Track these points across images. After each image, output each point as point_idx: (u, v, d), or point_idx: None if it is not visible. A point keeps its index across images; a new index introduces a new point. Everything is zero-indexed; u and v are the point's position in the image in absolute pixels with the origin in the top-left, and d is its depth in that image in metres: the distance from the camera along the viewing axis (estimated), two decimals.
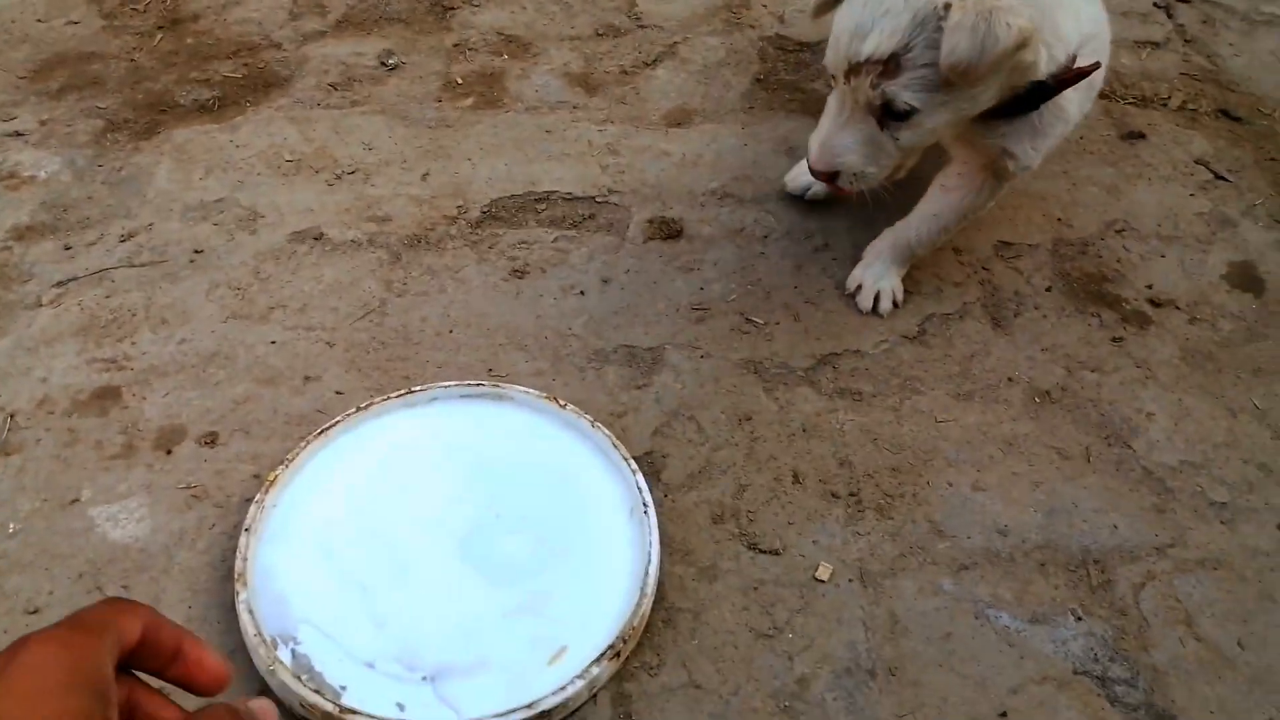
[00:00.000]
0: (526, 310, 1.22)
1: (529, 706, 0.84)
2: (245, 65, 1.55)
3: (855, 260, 1.29)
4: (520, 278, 1.26)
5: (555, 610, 0.93)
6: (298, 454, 1.01)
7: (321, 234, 1.29)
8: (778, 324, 1.24)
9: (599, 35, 1.65)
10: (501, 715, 0.84)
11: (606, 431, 1.05)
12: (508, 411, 1.08)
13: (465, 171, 1.39)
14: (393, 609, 0.92)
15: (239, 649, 0.90)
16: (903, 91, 0.94)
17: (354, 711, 0.83)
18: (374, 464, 1.02)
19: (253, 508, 0.96)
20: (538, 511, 1.00)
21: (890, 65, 0.93)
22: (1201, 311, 1.29)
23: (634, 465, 1.02)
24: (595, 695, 0.89)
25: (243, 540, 0.93)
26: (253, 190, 1.34)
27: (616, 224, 1.34)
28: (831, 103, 1.01)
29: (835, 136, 1.00)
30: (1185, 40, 1.74)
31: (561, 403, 1.08)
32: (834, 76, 0.98)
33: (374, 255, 1.27)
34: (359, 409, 1.05)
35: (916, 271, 1.31)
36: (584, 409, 1.10)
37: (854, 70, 0.94)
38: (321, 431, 1.03)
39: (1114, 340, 1.25)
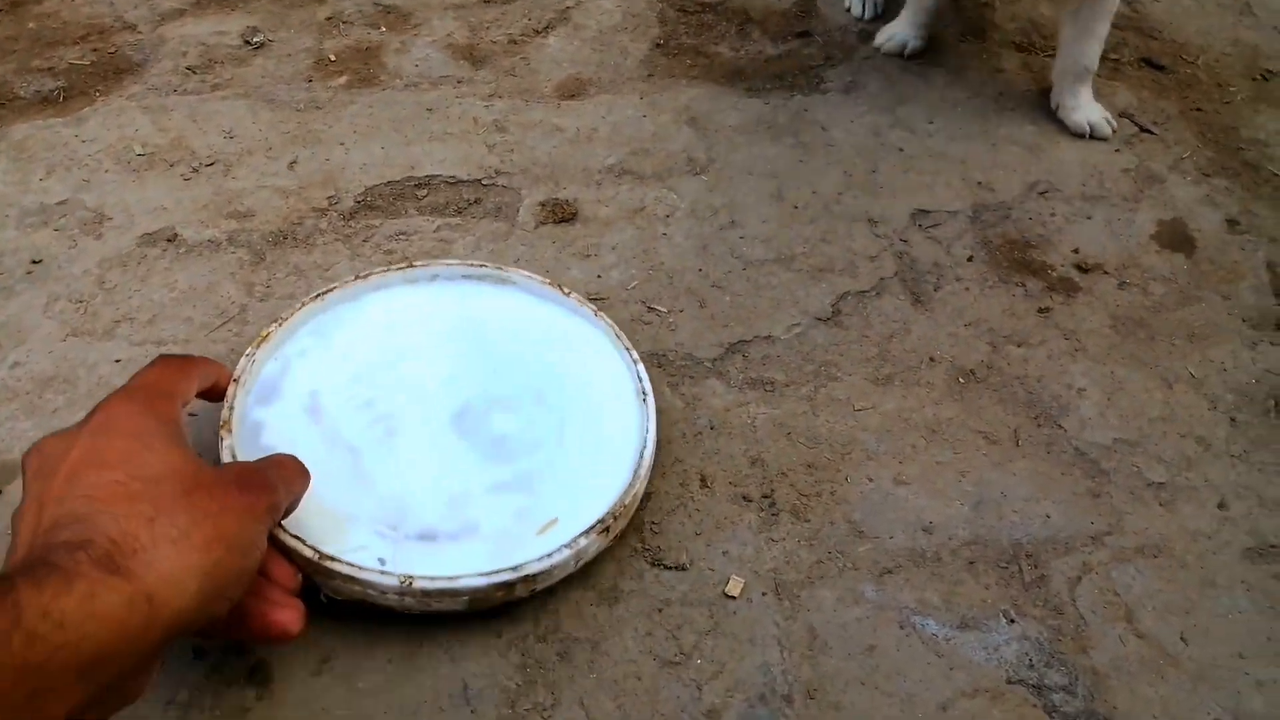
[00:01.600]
0: None
1: (514, 570, 0.83)
2: (95, 50, 1.41)
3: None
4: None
5: (546, 487, 0.91)
6: (292, 314, 0.99)
7: (175, 235, 1.16)
8: (682, 311, 1.14)
9: (486, 2, 1.54)
10: (485, 575, 0.82)
11: (609, 320, 1.04)
12: (509, 294, 1.07)
13: (337, 157, 1.27)
14: (381, 472, 0.90)
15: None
16: None
17: (333, 559, 0.80)
18: (369, 333, 1.01)
19: (242, 360, 0.93)
20: (534, 392, 0.99)
21: None
22: (1131, 275, 1.22)
23: (635, 355, 1.00)
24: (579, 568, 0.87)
25: (230, 389, 0.90)
26: (99, 190, 1.21)
27: (505, 208, 1.23)
28: None
29: None
30: None
31: (565, 290, 1.06)
32: None
33: (234, 256, 1.15)
34: (357, 277, 1.04)
35: (827, 246, 1.22)
36: None
37: None
38: (318, 295, 1.01)
39: (1040, 311, 1.17)
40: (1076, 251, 1.24)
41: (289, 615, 0.72)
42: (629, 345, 1.01)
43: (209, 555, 0.59)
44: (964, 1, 1.62)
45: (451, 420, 0.96)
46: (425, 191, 1.24)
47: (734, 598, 0.91)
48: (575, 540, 0.86)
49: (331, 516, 0.85)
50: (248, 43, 1.43)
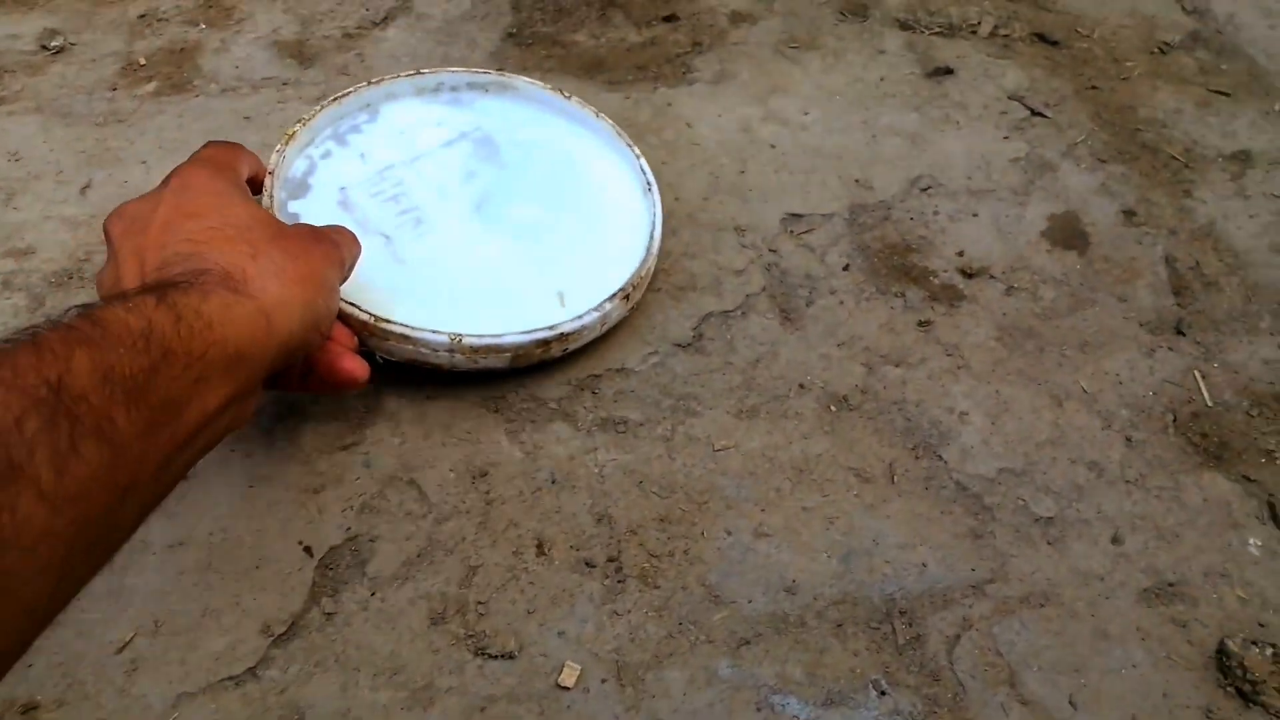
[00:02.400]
0: None
1: (550, 329, 0.93)
2: None
3: None
4: None
5: (568, 264, 1.01)
6: (314, 115, 1.05)
7: None
8: None
9: None
10: (525, 333, 0.92)
11: (610, 121, 1.12)
12: (513, 99, 1.15)
13: (138, 178, 1.12)
14: (415, 254, 0.99)
15: None
16: None
17: (389, 320, 0.89)
18: (386, 137, 1.08)
19: (274, 155, 0.99)
20: (547, 186, 1.07)
21: None
22: (1020, 279, 1.12)
23: (637, 150, 1.10)
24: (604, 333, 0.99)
25: (267, 181, 0.95)
26: None
27: None
28: None
29: None
30: None
31: (566, 94, 1.13)
32: None
33: (8, 302, 1.00)
34: (369, 83, 1.10)
35: (689, 261, 1.10)
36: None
37: None
38: (335, 99, 1.08)
39: (921, 325, 1.07)
40: (961, 254, 1.13)
41: (355, 363, 0.80)
42: (630, 142, 1.11)
43: (304, 289, 0.68)
44: None
45: (474, 209, 1.04)
46: None
47: (568, 688, 0.80)
48: (601, 305, 0.96)
49: (376, 291, 0.92)
50: (44, 47, 1.27)
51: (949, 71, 1.34)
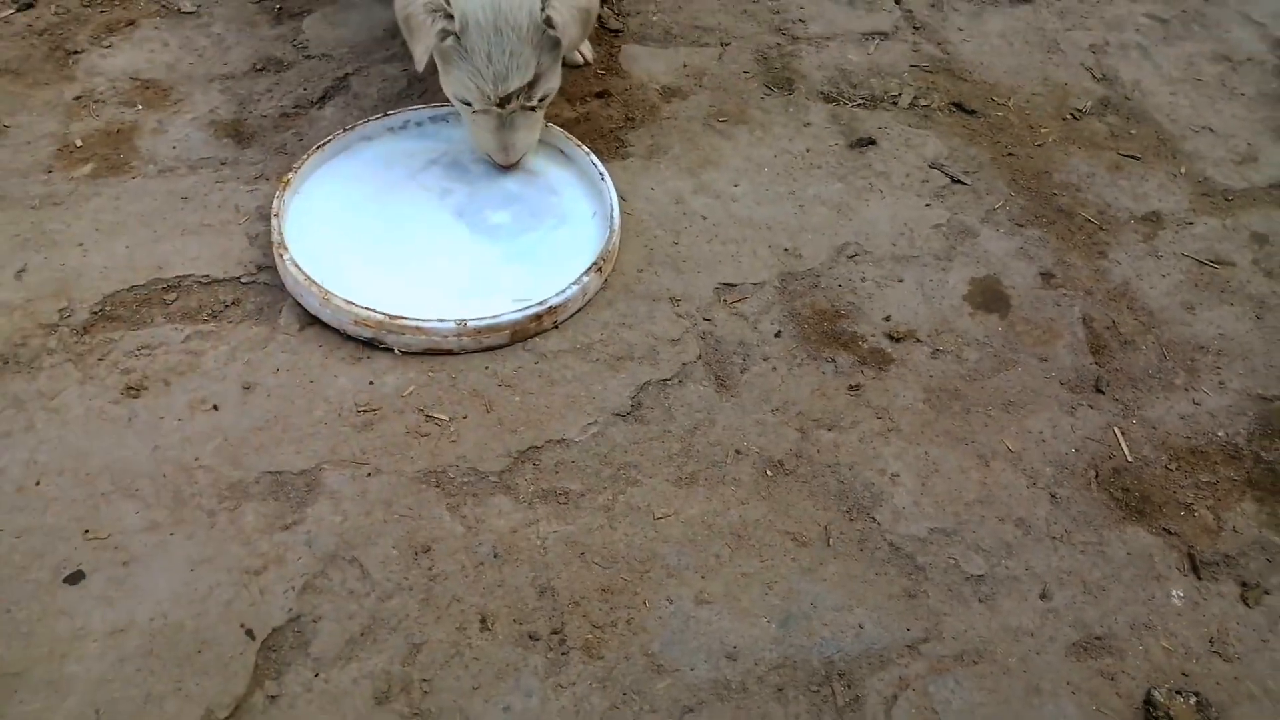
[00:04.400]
0: (141, 441, 0.98)
1: (540, 303, 1.09)
2: None
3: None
4: (135, 397, 1.01)
5: (543, 254, 1.17)
6: (302, 163, 1.21)
7: None
8: (465, 418, 1.03)
9: (257, 71, 1.40)
10: (518, 311, 1.07)
11: (559, 129, 1.28)
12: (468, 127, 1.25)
13: (74, 261, 1.12)
14: (412, 262, 1.15)
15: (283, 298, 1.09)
16: (543, 87, 1.19)
17: (402, 317, 1.06)
18: (366, 171, 1.24)
19: (275, 201, 1.15)
20: (513, 192, 1.24)
21: (531, 82, 1.16)
22: (945, 341, 1.16)
23: (587, 148, 1.26)
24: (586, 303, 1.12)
25: (274, 222, 1.13)
26: None
27: (267, 309, 1.10)
28: (486, 121, 1.20)
29: (512, 137, 1.21)
30: (914, 28, 1.62)
31: None
32: (482, 108, 1.17)
33: None
34: (344, 129, 1.26)
35: (626, 331, 1.12)
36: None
37: (505, 99, 1.16)
38: (319, 147, 1.23)
39: (851, 389, 1.10)
40: (888, 319, 1.17)
41: None
42: (579, 143, 1.27)
43: None
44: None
45: (454, 218, 1.20)
46: (175, 295, 1.11)
47: None
48: (580, 279, 1.11)
49: (387, 296, 1.08)
50: None
51: (871, 142, 1.39)
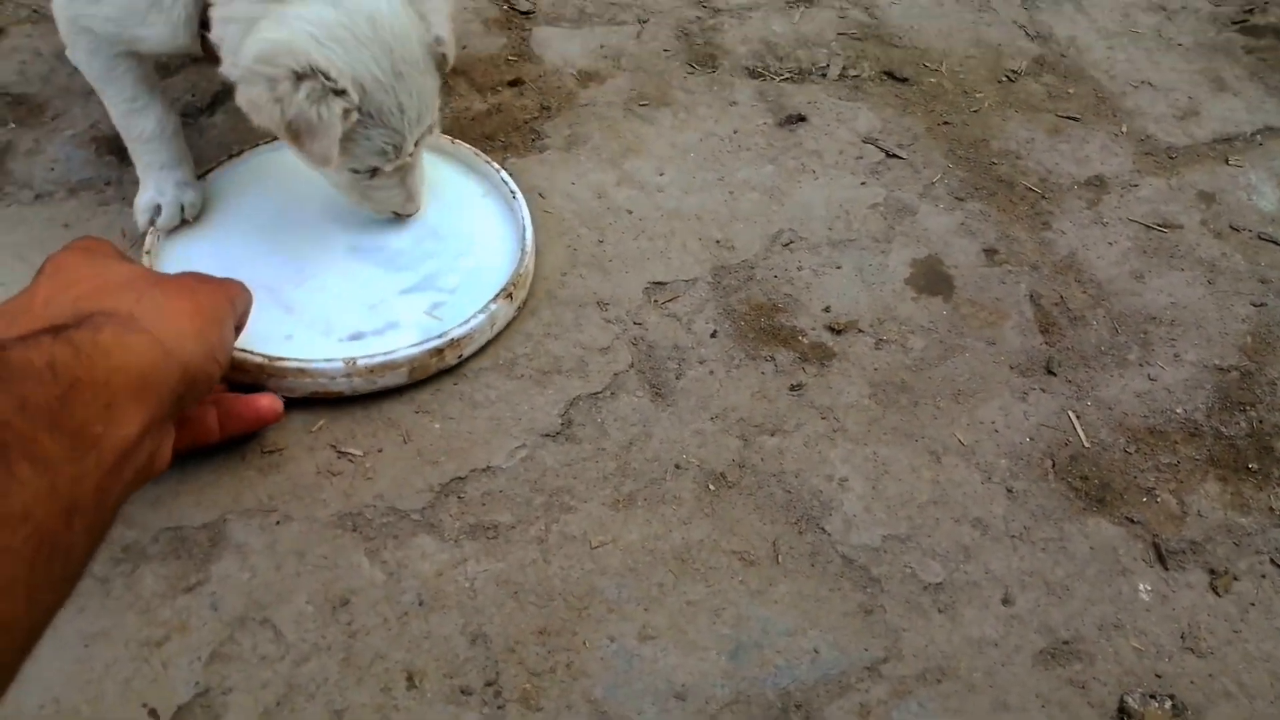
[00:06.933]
0: None
1: (440, 336, 0.98)
2: None
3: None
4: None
5: (446, 282, 1.06)
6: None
7: None
8: (380, 452, 0.96)
9: None
10: (416, 345, 0.97)
11: (467, 145, 1.18)
12: None
13: None
14: (300, 299, 1.04)
15: None
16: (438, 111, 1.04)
17: (283, 359, 0.95)
18: (249, 195, 1.13)
19: (149, 236, 1.05)
20: (417, 214, 1.11)
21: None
22: (888, 330, 1.10)
23: (496, 165, 1.15)
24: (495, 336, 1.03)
25: (145, 260, 1.03)
26: None
27: None
28: (389, 178, 1.04)
29: (416, 179, 1.08)
30: None
31: None
32: (394, 166, 1.02)
33: None
34: (230, 156, 1.15)
35: (552, 341, 1.05)
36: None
37: (418, 141, 1.02)
38: (202, 175, 1.12)
39: (793, 389, 1.04)
40: (828, 310, 1.11)
41: (268, 399, 0.93)
42: (489, 159, 1.16)
43: (193, 321, 0.73)
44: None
45: (348, 247, 1.09)
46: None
47: None
48: (487, 306, 1.01)
49: (268, 341, 0.97)
50: None
51: (802, 119, 1.32)
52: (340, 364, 0.95)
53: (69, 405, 0.57)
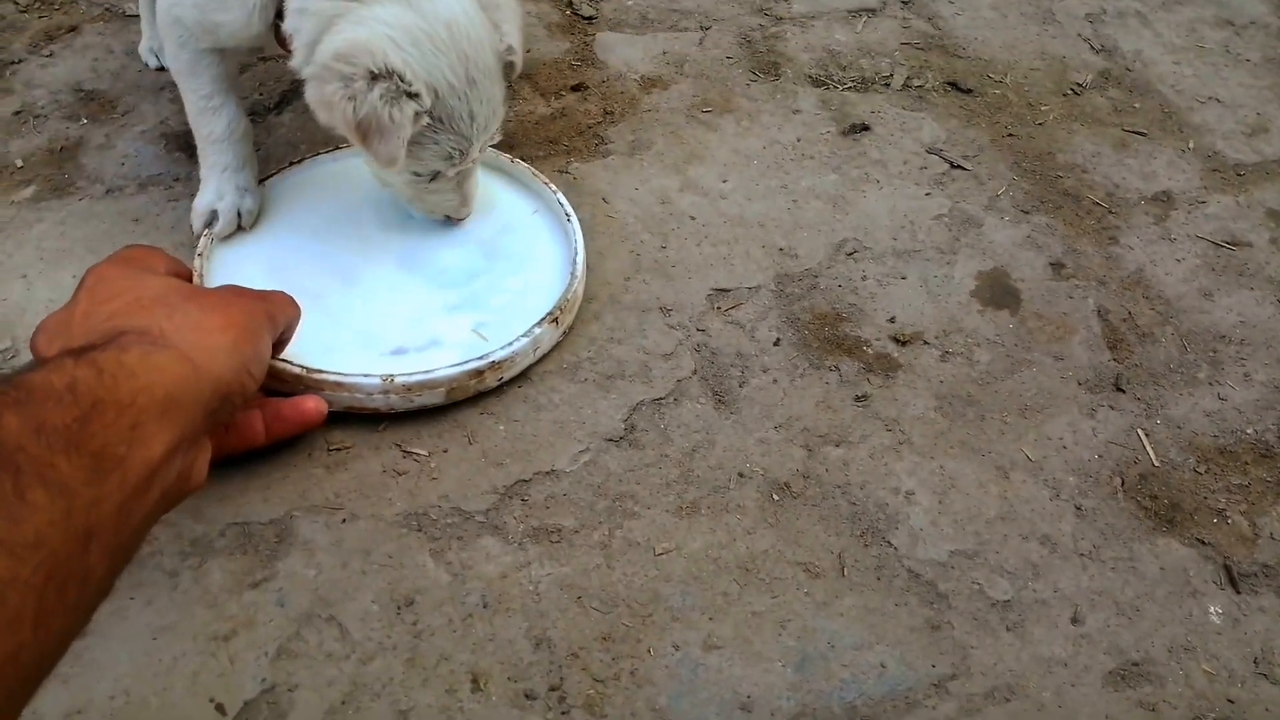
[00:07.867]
0: None
1: (482, 358, 0.96)
2: None
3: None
4: None
5: (493, 302, 1.05)
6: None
7: None
8: (445, 452, 0.96)
9: None
10: (456, 366, 0.96)
11: (525, 164, 1.16)
12: None
13: (17, 296, 1.04)
14: (345, 308, 1.03)
15: None
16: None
17: (321, 371, 0.94)
18: (305, 202, 1.12)
19: (202, 240, 1.05)
20: (469, 230, 1.11)
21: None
22: (953, 343, 1.09)
23: (553, 186, 1.13)
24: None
25: (196, 263, 1.02)
26: None
27: None
28: (447, 182, 1.04)
29: (471, 184, 1.07)
30: (903, 3, 1.54)
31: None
32: (456, 171, 1.02)
33: None
34: (291, 163, 1.15)
35: (615, 346, 1.05)
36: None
37: (481, 147, 1.02)
38: (263, 180, 1.11)
39: (858, 399, 1.03)
40: (893, 320, 1.10)
41: (314, 401, 0.92)
42: (547, 180, 1.13)
43: (226, 335, 0.73)
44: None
45: (397, 260, 1.08)
46: None
47: None
48: (531, 330, 0.99)
49: (310, 349, 0.95)
50: None
51: (865, 128, 1.32)
52: (378, 380, 0.94)
53: (89, 426, 0.56)
